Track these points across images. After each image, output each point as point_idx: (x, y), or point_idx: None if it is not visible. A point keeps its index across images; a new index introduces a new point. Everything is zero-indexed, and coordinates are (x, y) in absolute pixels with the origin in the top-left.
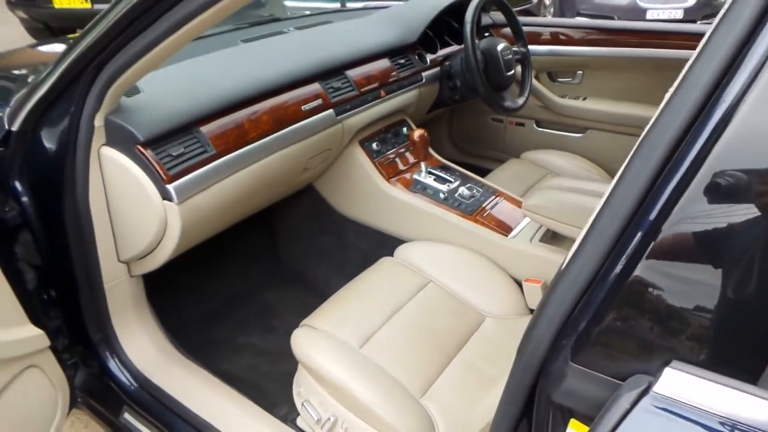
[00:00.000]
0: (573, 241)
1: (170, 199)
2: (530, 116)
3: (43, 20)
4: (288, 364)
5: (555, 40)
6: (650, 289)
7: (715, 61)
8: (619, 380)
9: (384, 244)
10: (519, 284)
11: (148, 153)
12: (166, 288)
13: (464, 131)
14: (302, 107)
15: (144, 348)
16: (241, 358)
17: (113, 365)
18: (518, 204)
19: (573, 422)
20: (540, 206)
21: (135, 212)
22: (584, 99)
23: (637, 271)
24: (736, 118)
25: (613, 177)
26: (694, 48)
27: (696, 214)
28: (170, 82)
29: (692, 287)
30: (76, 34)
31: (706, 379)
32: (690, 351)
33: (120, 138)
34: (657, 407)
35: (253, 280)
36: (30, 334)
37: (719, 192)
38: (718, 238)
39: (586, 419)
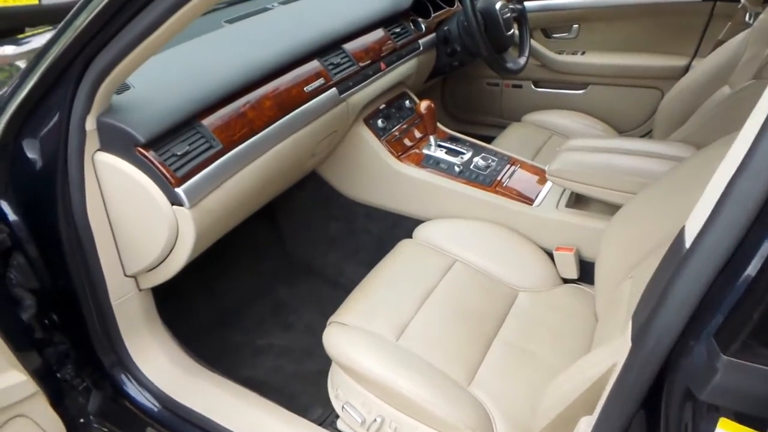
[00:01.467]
0: (600, 202)
1: (181, 204)
2: (527, 77)
3: None
4: (313, 362)
5: None
6: None
7: None
8: None
9: (398, 226)
10: (549, 254)
11: (151, 155)
12: (172, 295)
13: (459, 99)
14: (304, 88)
15: (162, 365)
16: (263, 361)
17: (131, 387)
18: (535, 170)
19: (723, 421)
20: (564, 170)
21: (141, 222)
22: (583, 53)
23: None
24: None
25: (619, 132)
26: None
27: None
28: (159, 73)
29: None
30: (27, 34)
31: None
32: None
33: (117, 141)
34: None
35: (263, 277)
36: (11, 383)
37: None
38: None
39: (742, 418)
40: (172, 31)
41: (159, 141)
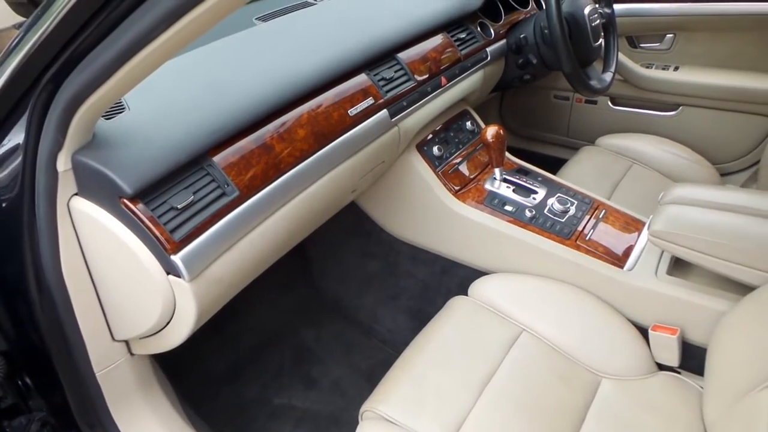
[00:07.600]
0: (709, 272)
1: (178, 275)
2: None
3: None
4: None
5: None
6: None
7: None
8: None
9: (448, 273)
10: (641, 330)
11: (140, 210)
12: None
13: (520, 112)
14: (348, 111)
15: None
16: (279, 428)
17: None
18: (625, 219)
19: None
20: (673, 233)
21: (128, 288)
22: (676, 69)
23: None
24: None
25: (715, 164)
26: None
27: None
28: (167, 90)
29: None
30: None
31: None
32: None
33: (97, 188)
34: None
35: (285, 317)
36: None
37: None
38: None
39: None
40: (177, 43)
41: (153, 190)
